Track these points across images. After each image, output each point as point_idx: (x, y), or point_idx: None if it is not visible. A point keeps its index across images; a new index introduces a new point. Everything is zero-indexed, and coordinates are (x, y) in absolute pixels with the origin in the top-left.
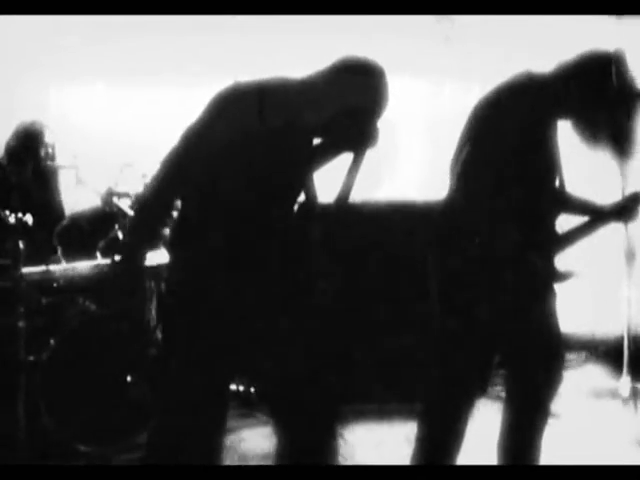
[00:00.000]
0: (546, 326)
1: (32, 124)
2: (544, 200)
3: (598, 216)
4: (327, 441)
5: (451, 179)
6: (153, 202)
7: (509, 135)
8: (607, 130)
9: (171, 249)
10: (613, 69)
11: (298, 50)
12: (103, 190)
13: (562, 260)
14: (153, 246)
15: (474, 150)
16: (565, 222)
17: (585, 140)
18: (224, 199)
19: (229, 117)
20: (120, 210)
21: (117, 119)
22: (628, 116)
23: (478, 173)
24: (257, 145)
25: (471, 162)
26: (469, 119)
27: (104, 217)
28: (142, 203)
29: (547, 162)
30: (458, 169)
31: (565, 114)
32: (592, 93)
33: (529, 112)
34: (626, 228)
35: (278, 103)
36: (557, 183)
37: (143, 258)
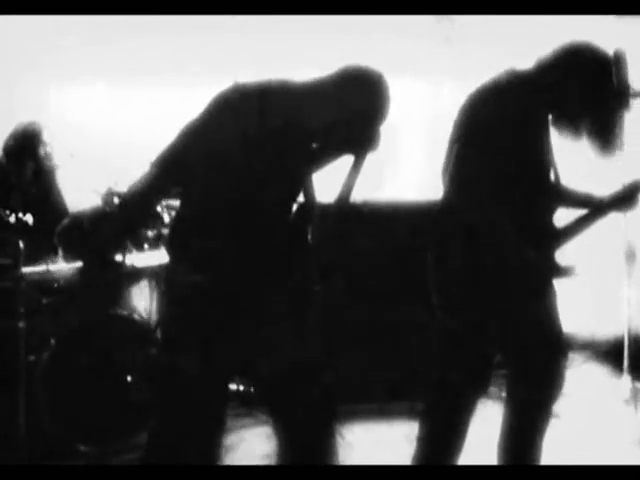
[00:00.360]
0: (547, 324)
1: (30, 124)
2: (539, 195)
3: (597, 207)
4: (326, 441)
5: (444, 181)
6: (141, 199)
7: (498, 133)
8: (589, 123)
9: (170, 249)
10: (593, 60)
11: (298, 50)
12: (103, 190)
13: (562, 259)
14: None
15: (465, 151)
16: (566, 216)
17: (566, 134)
18: (222, 199)
19: (229, 117)
20: None
21: (117, 119)
22: (611, 109)
23: (470, 173)
24: (256, 146)
25: (462, 163)
26: (457, 120)
27: (104, 217)
28: (129, 198)
29: (538, 157)
30: (450, 170)
31: (550, 108)
32: (572, 85)
33: (515, 108)
34: (625, 219)
35: (279, 105)
36: (552, 177)
37: (115, 257)
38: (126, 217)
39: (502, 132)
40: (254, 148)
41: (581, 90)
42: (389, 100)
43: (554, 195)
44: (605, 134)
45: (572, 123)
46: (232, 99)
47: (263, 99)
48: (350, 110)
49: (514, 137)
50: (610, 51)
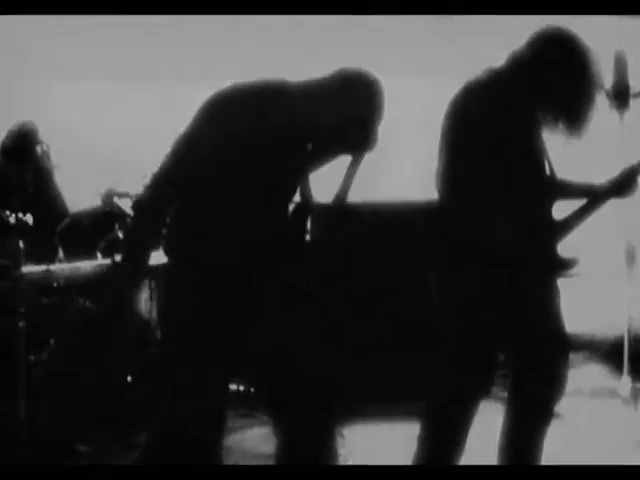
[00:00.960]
0: (550, 323)
1: (25, 123)
2: (536, 190)
3: (596, 195)
4: (327, 441)
5: (437, 184)
6: (155, 202)
7: (485, 131)
8: (565, 108)
9: (168, 249)
10: (566, 44)
11: (298, 50)
12: (103, 190)
13: (563, 253)
14: (155, 247)
15: (456, 153)
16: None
17: (546, 122)
18: (219, 199)
19: (226, 118)
20: (120, 210)
21: (118, 119)
22: (586, 92)
23: (463, 174)
24: (253, 146)
25: (454, 165)
26: (444, 124)
27: (104, 217)
28: (143, 204)
29: (529, 151)
30: (443, 174)
31: (533, 100)
32: (550, 73)
33: (500, 105)
34: (625, 221)
35: (276, 105)
36: (547, 170)
37: (144, 260)
38: (149, 224)
39: (489, 130)
40: (250, 148)
41: (559, 77)
42: (384, 102)
43: (551, 188)
44: (578, 116)
45: (552, 111)
46: (228, 99)
47: (258, 100)
48: (346, 112)
49: (502, 134)
50: (611, 51)
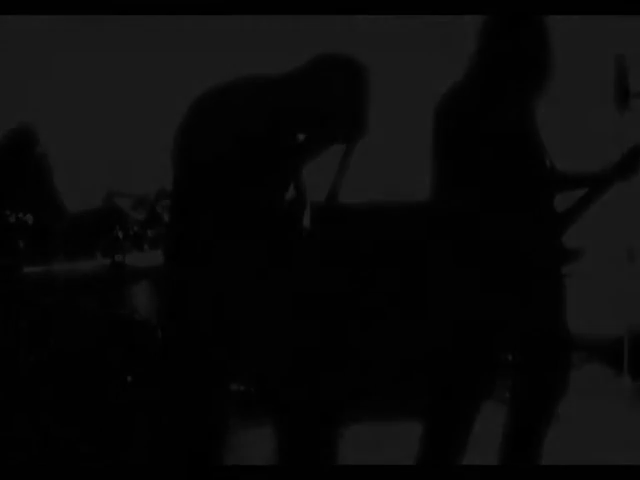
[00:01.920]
0: (554, 323)
1: (23, 124)
2: (536, 182)
3: (599, 181)
4: (327, 441)
5: (435, 188)
6: None
7: (480, 130)
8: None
9: (167, 248)
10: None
11: (296, 50)
12: (103, 190)
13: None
14: None
15: (451, 155)
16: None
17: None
18: (215, 196)
19: (220, 114)
20: (120, 210)
21: (117, 119)
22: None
23: (462, 177)
24: (247, 141)
25: (451, 166)
26: (436, 127)
27: (104, 217)
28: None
29: (526, 146)
30: (439, 175)
31: (515, 89)
32: (510, 56)
33: (488, 102)
34: (626, 221)
35: (266, 98)
36: (547, 164)
37: None
38: None
39: (482, 129)
40: (244, 144)
41: (524, 54)
42: (367, 84)
43: (551, 179)
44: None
45: (531, 80)
46: (219, 96)
47: (250, 94)
48: (328, 97)
49: (496, 130)
50: (611, 51)
